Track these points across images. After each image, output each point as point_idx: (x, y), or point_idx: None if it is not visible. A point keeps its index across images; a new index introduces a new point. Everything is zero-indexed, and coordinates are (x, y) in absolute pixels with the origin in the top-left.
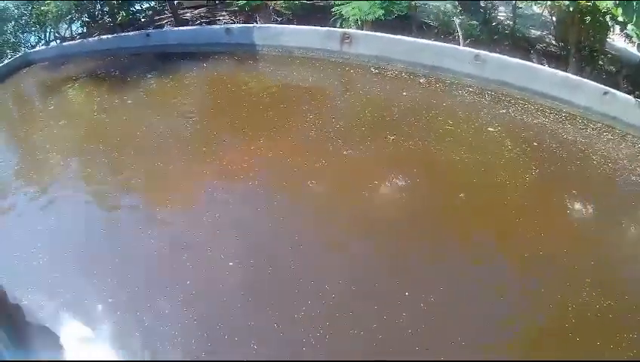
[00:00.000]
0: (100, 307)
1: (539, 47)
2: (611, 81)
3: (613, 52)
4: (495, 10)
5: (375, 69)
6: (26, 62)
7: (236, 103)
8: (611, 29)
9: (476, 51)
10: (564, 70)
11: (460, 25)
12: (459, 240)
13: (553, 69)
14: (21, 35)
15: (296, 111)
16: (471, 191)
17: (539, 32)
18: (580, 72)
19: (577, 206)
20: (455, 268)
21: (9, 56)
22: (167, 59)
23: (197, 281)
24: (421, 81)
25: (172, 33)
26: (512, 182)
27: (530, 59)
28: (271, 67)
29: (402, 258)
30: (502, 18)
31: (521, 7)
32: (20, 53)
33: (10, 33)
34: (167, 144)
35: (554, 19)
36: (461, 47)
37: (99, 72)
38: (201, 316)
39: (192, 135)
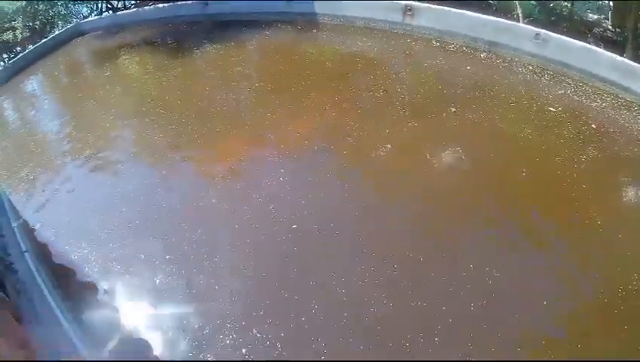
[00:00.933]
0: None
1: (596, 31)
2: None
3: None
4: None
5: (437, 41)
6: (79, 32)
7: (300, 72)
8: None
9: (537, 30)
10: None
11: (519, 3)
12: (519, 216)
13: (612, 54)
14: (72, 6)
15: (361, 81)
16: (532, 168)
17: (596, 16)
18: (636, 58)
19: (632, 191)
20: (514, 244)
21: (60, 27)
22: (225, 27)
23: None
24: (482, 56)
25: (231, 2)
26: (571, 163)
27: (587, 43)
28: (334, 37)
29: (463, 229)
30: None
31: None
32: (72, 24)
33: (62, 5)
34: (230, 110)
35: (611, 3)
36: (522, 25)
37: (155, 41)
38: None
39: (255, 101)
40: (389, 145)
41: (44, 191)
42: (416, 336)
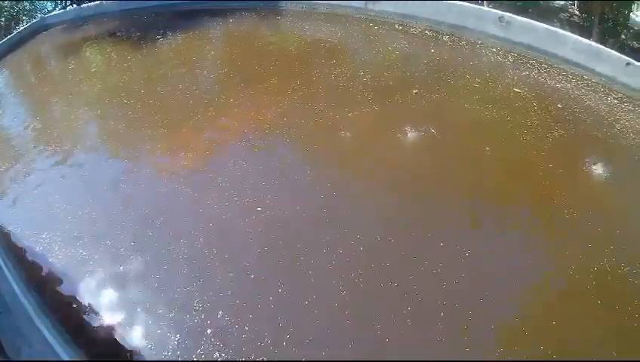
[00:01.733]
0: None
1: (562, 16)
2: (633, 55)
3: (636, 27)
4: None
5: (400, 25)
6: (44, 27)
7: (263, 58)
8: (636, 4)
9: (500, 13)
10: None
11: None
12: (484, 191)
13: (577, 36)
14: (37, 2)
15: (324, 65)
16: (497, 146)
17: (562, 2)
18: (602, 43)
19: (599, 169)
20: (481, 222)
21: (25, 22)
22: (189, 17)
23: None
24: (445, 39)
25: None
26: (537, 141)
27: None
28: (297, 23)
29: (428, 207)
30: None
31: None
32: (37, 19)
33: (27, 0)
34: (194, 98)
35: None
36: (485, 8)
37: (118, 32)
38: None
39: (219, 88)
40: (352, 128)
41: (9, 184)
42: (388, 317)
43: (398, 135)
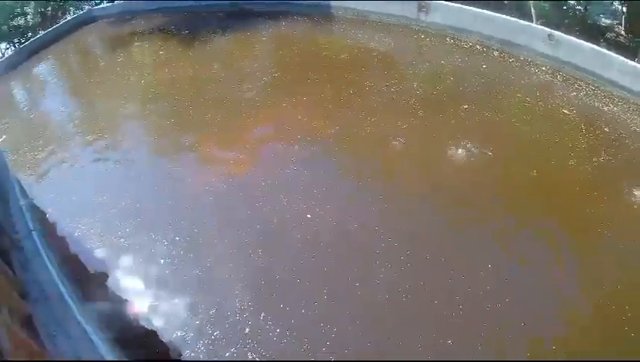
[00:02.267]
0: None
1: (609, 36)
2: None
3: None
4: None
5: (451, 38)
6: (91, 19)
7: (316, 64)
8: None
9: (549, 31)
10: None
11: (533, 4)
12: (528, 214)
13: (624, 58)
14: None
15: (376, 75)
16: (544, 169)
17: (609, 21)
18: None
19: None
20: (517, 240)
21: (72, 13)
22: (241, 17)
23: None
24: (495, 54)
25: None
26: (583, 165)
27: (599, 46)
28: (349, 30)
29: (468, 224)
30: (573, 2)
31: None
32: (84, 11)
33: None
34: (244, 99)
35: (624, 9)
36: (535, 25)
37: (168, 29)
38: None
39: (271, 91)
40: (403, 141)
41: (52, 172)
42: (429, 335)
43: (449, 150)
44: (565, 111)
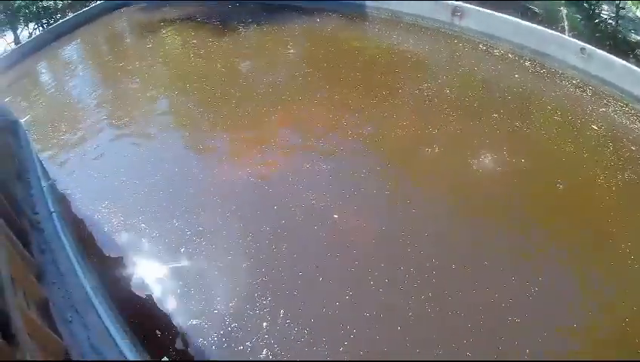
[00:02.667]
0: None
1: (639, 52)
2: None
3: None
4: (599, 7)
5: (483, 45)
6: (122, 4)
7: (349, 61)
8: None
9: (582, 44)
10: None
11: (566, 16)
12: (553, 227)
13: None
14: None
15: (409, 77)
16: (570, 183)
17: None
18: None
19: None
20: (542, 255)
21: None
22: (274, 11)
23: None
24: (527, 64)
25: None
26: (610, 183)
27: (629, 62)
28: (384, 31)
29: (494, 234)
30: (604, 16)
31: (624, 9)
32: None
33: None
34: (275, 92)
35: None
36: (567, 38)
37: (199, 18)
38: None
39: (303, 86)
40: (434, 146)
41: (74, 153)
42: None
43: (479, 158)
44: (594, 126)
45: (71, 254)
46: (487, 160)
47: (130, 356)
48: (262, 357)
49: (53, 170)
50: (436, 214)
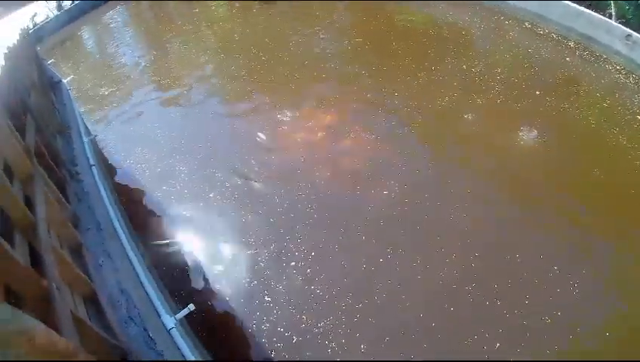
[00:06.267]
0: None
1: None
2: None
3: None
4: None
5: (529, 24)
6: None
7: (398, 34)
8: None
9: (629, 31)
10: None
11: (614, 2)
12: (586, 212)
13: None
14: None
15: (455, 52)
16: (609, 173)
17: None
18: None
19: None
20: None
21: None
22: None
23: None
24: (571, 45)
25: None
26: None
27: None
28: (437, 3)
29: (534, 218)
30: None
31: None
32: None
33: None
34: (325, 61)
35: None
36: (614, 23)
37: None
38: None
39: (352, 57)
40: (473, 113)
41: (115, 112)
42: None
43: (521, 141)
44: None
45: (107, 203)
46: (530, 140)
47: (155, 298)
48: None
49: (92, 125)
50: (479, 199)
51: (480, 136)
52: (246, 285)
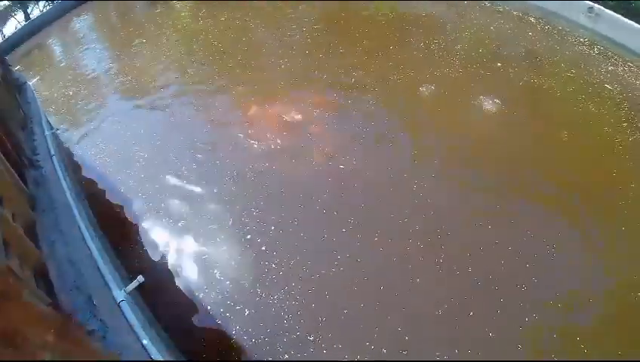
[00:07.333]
0: None
1: None
2: None
3: None
4: None
5: (488, 3)
6: None
7: (359, 20)
8: None
9: (590, 3)
10: None
11: None
12: (553, 174)
13: None
14: None
15: (415, 34)
16: (577, 136)
17: None
18: None
19: None
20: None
21: None
22: None
23: None
24: (532, 20)
25: None
26: (617, 140)
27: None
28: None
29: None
30: None
31: None
32: None
33: None
34: (281, 47)
35: None
36: None
37: None
38: None
39: (310, 41)
40: (437, 85)
41: (79, 110)
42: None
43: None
44: (607, 86)
45: (65, 188)
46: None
47: (102, 265)
48: None
49: (57, 124)
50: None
51: (439, 105)
52: (200, 260)
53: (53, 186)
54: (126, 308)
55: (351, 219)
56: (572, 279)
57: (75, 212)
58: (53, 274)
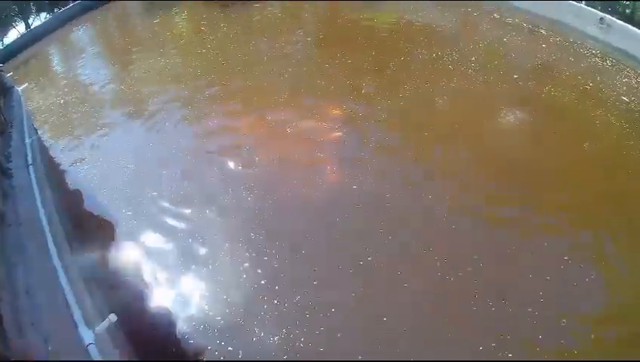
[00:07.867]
0: None
1: None
2: None
3: None
4: None
5: (497, 15)
6: None
7: (364, 33)
8: None
9: (601, 14)
10: None
11: None
12: (576, 184)
13: None
14: None
15: (426, 45)
16: (596, 147)
17: None
18: None
19: None
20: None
21: None
22: None
23: None
24: (542, 32)
25: None
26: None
27: None
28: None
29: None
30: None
31: None
32: None
33: None
34: (284, 58)
35: None
36: (586, 7)
37: None
38: None
39: (316, 51)
40: (454, 98)
41: (74, 124)
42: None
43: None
44: (625, 98)
45: (38, 202)
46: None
47: (70, 298)
48: None
49: (42, 132)
50: (456, 176)
51: (459, 117)
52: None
53: (25, 199)
54: (94, 353)
55: (368, 249)
56: None
57: (46, 230)
58: (4, 308)
